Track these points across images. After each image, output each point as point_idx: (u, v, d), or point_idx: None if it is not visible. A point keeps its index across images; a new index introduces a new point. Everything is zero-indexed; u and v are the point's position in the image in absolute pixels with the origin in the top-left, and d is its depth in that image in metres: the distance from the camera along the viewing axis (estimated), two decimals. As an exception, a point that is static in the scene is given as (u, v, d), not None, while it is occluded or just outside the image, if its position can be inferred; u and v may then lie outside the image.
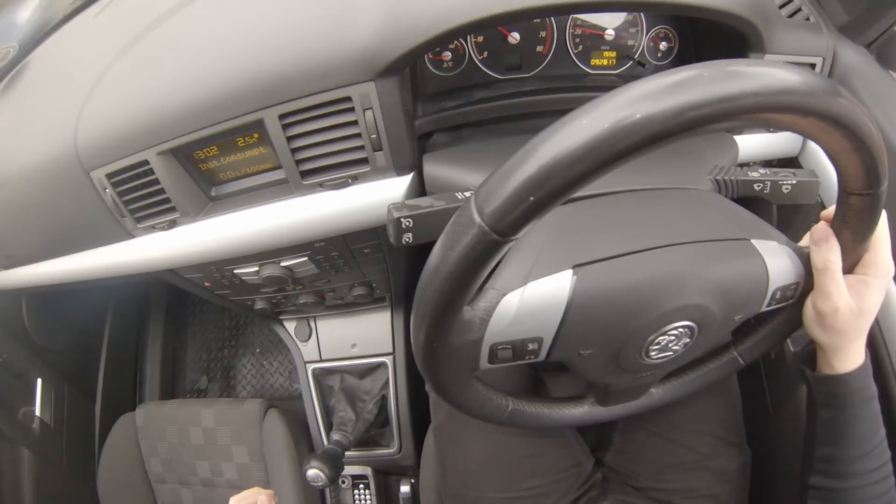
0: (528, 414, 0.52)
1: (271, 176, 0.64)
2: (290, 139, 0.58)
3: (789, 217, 0.71)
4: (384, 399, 1.05)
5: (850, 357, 0.47)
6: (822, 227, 0.44)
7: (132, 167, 0.61)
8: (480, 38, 0.67)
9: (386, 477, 1.12)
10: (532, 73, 0.70)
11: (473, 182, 0.55)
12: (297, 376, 1.09)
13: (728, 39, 0.60)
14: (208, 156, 0.62)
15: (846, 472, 0.48)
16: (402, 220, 0.45)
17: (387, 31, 0.53)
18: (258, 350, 1.43)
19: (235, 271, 0.74)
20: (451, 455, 0.71)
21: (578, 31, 0.68)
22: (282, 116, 0.57)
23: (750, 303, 0.45)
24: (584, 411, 0.54)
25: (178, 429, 1.04)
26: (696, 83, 0.28)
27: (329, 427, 1.05)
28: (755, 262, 0.44)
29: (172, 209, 0.65)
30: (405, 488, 1.06)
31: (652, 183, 0.51)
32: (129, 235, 0.69)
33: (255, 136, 0.60)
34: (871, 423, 0.47)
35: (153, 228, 0.67)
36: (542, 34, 0.68)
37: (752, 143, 0.68)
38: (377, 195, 0.62)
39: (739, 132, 0.66)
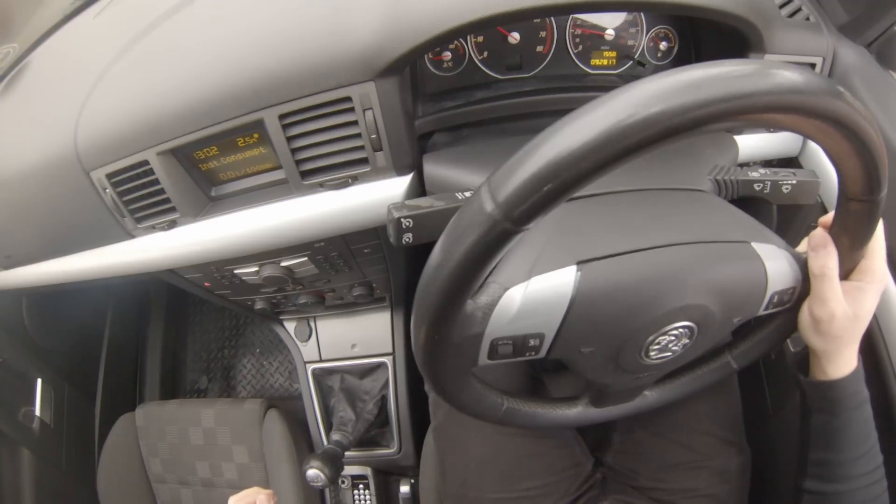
0: (523, 413, 0.52)
1: (271, 176, 0.64)
2: (290, 139, 0.58)
3: (789, 217, 0.71)
4: (384, 399, 1.05)
5: (843, 363, 0.47)
6: (820, 234, 0.44)
7: (132, 167, 0.61)
8: (480, 38, 0.67)
9: (386, 477, 1.13)
10: (532, 73, 0.70)
11: (473, 182, 0.55)
12: (297, 376, 1.09)
13: (728, 39, 0.60)
14: (208, 156, 0.62)
15: (840, 475, 0.49)
16: (402, 220, 0.45)
17: (387, 30, 0.53)
18: (258, 350, 1.43)
19: (235, 271, 0.74)
20: (450, 455, 0.71)
21: (578, 31, 0.68)
22: (282, 116, 0.57)
23: (748, 305, 0.45)
24: (578, 412, 0.54)
25: (178, 429, 1.04)
26: (715, 80, 0.28)
27: (329, 427, 1.05)
28: (755, 265, 0.44)
29: (172, 209, 0.65)
30: (405, 488, 1.06)
31: (652, 183, 0.51)
32: (129, 235, 0.69)
33: (255, 136, 0.60)
34: (864, 427, 0.48)
35: (153, 228, 0.67)
36: (542, 34, 0.68)
37: (752, 143, 0.68)
38: (377, 195, 0.62)
39: (739, 132, 0.66)
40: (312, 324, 1.05)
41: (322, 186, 0.62)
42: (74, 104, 0.63)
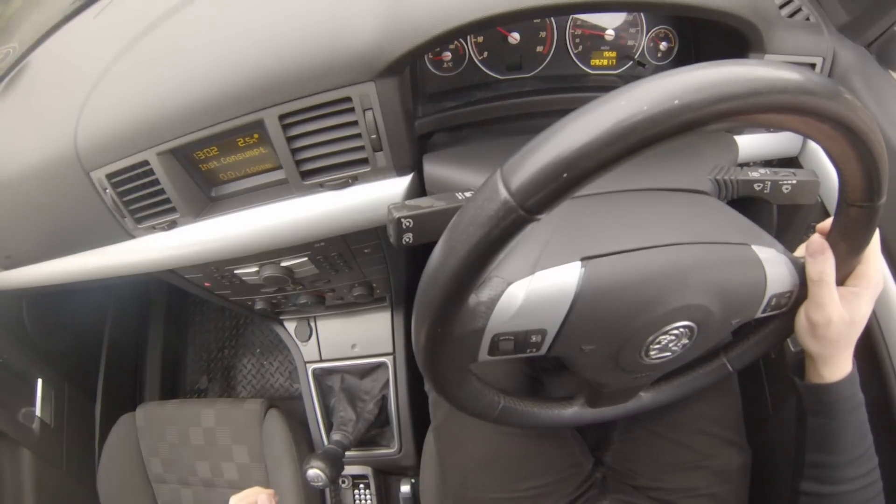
0: (519, 412, 0.52)
1: (271, 176, 0.64)
2: (290, 139, 0.58)
3: (789, 217, 0.71)
4: (384, 399, 1.05)
5: (838, 366, 0.48)
6: (817, 240, 0.45)
7: (132, 167, 0.61)
8: (480, 39, 0.67)
9: (386, 477, 1.13)
10: (532, 74, 0.70)
11: (474, 182, 0.55)
12: (298, 376, 1.09)
13: (728, 39, 0.60)
14: (208, 156, 0.62)
15: (836, 477, 0.49)
16: (402, 220, 0.45)
17: (387, 31, 0.53)
18: (258, 350, 1.43)
19: (235, 271, 0.74)
20: (450, 455, 0.71)
21: (578, 32, 0.68)
22: (282, 117, 0.57)
23: (747, 307, 0.46)
24: (573, 412, 0.55)
25: (179, 429, 1.04)
26: (732, 76, 0.28)
27: (329, 427, 1.05)
28: (755, 268, 0.44)
29: (172, 209, 0.65)
30: (405, 488, 1.06)
31: (653, 182, 0.51)
32: (130, 236, 0.69)
33: (256, 136, 0.60)
34: (860, 430, 0.49)
35: (153, 229, 0.67)
36: (542, 34, 0.68)
37: (752, 143, 0.68)
38: (377, 195, 0.62)
39: (740, 132, 0.66)
40: (312, 324, 1.05)
41: (322, 186, 0.62)
42: (74, 104, 0.63)
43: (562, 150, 0.29)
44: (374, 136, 0.58)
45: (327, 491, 1.10)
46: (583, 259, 0.41)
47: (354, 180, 0.62)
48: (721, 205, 0.51)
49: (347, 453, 0.95)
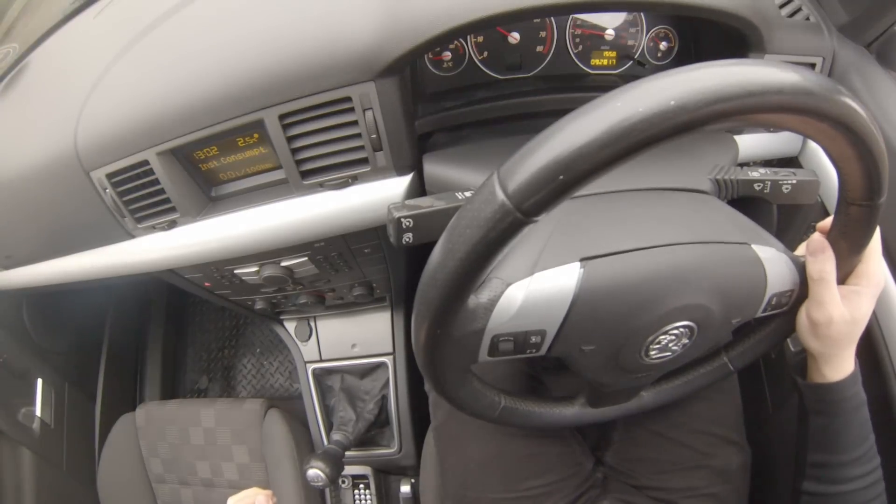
0: (519, 412, 0.52)
1: (271, 176, 0.64)
2: (290, 139, 0.58)
3: (789, 217, 0.71)
4: (384, 399, 1.05)
5: (840, 365, 0.48)
6: (818, 239, 0.45)
7: (132, 167, 0.61)
8: (480, 38, 0.67)
9: (386, 477, 1.12)
10: (532, 73, 0.70)
11: (474, 182, 0.55)
12: (298, 376, 1.09)
13: (728, 39, 0.60)
14: (208, 156, 0.62)
15: (838, 477, 0.49)
16: (402, 220, 0.45)
17: (387, 31, 0.53)
18: (258, 350, 1.43)
19: (235, 271, 0.74)
20: (450, 455, 0.71)
21: (578, 31, 0.68)
22: (282, 116, 0.57)
23: (748, 306, 0.46)
24: (574, 412, 0.54)
25: (179, 429, 1.04)
26: (727, 76, 0.28)
27: (329, 427, 1.05)
28: (755, 267, 0.44)
29: (172, 209, 0.65)
30: (405, 488, 1.06)
31: (653, 182, 0.51)
32: (130, 235, 0.69)
33: (255, 136, 0.60)
34: (862, 429, 0.49)
35: (153, 228, 0.67)
36: (542, 34, 0.68)
37: (752, 143, 0.68)
38: (377, 195, 0.62)
39: (740, 132, 0.66)
40: (312, 324, 1.05)
41: (322, 186, 0.62)
42: (74, 104, 0.63)
43: (558, 153, 0.29)
44: (374, 136, 0.58)
45: (327, 491, 1.09)
46: (582, 259, 0.41)
47: (354, 180, 0.62)
48: (721, 204, 0.51)
49: (347, 453, 0.95)
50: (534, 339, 0.42)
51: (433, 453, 0.78)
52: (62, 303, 1.10)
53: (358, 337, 1.03)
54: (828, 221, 0.46)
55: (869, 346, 0.59)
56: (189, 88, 0.58)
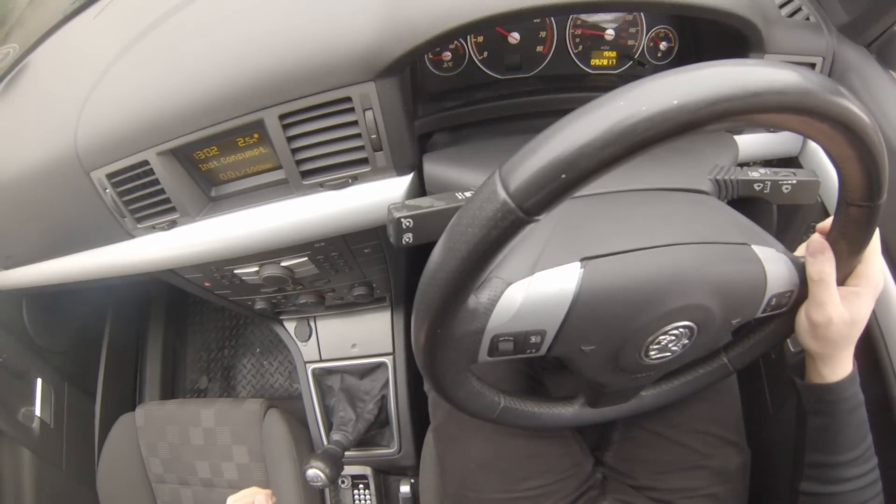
0: (519, 412, 0.52)
1: (271, 176, 0.64)
2: (290, 139, 0.58)
3: (789, 217, 0.71)
4: (384, 399, 1.05)
5: (839, 366, 0.48)
6: (818, 239, 0.45)
7: (132, 167, 0.61)
8: (480, 38, 0.67)
9: (386, 477, 1.12)
10: (532, 73, 0.70)
11: (474, 182, 0.55)
12: (297, 376, 1.09)
13: (728, 39, 0.60)
14: (208, 156, 0.62)
15: (836, 477, 0.49)
16: (402, 220, 0.45)
17: (387, 31, 0.53)
18: (258, 350, 1.43)
19: (235, 271, 0.74)
20: (450, 455, 0.71)
21: (578, 31, 0.68)
22: (282, 117, 0.57)
23: (747, 307, 0.46)
24: (574, 412, 0.54)
25: (178, 429, 1.04)
26: (729, 76, 0.28)
27: (329, 427, 1.05)
28: (755, 267, 0.44)
29: (172, 209, 0.65)
30: (405, 488, 1.06)
31: (653, 182, 0.51)
32: (129, 235, 0.69)
33: (256, 136, 0.60)
34: (860, 430, 0.49)
35: (153, 228, 0.67)
36: (542, 34, 0.68)
37: (752, 143, 0.68)
38: (377, 195, 0.62)
39: (740, 132, 0.66)
40: (312, 324, 1.05)
41: (322, 186, 0.62)
42: (74, 104, 0.63)
43: (560, 152, 0.29)
44: (374, 136, 0.58)
45: (327, 491, 1.10)
46: (582, 260, 0.41)
47: (354, 180, 0.62)
48: (721, 205, 0.51)
49: (347, 453, 0.95)
50: (534, 340, 0.42)
51: (433, 453, 0.78)
52: (62, 303, 1.10)
53: (358, 337, 1.03)
54: (827, 222, 0.46)
55: (868, 347, 0.59)
56: (189, 88, 0.58)
